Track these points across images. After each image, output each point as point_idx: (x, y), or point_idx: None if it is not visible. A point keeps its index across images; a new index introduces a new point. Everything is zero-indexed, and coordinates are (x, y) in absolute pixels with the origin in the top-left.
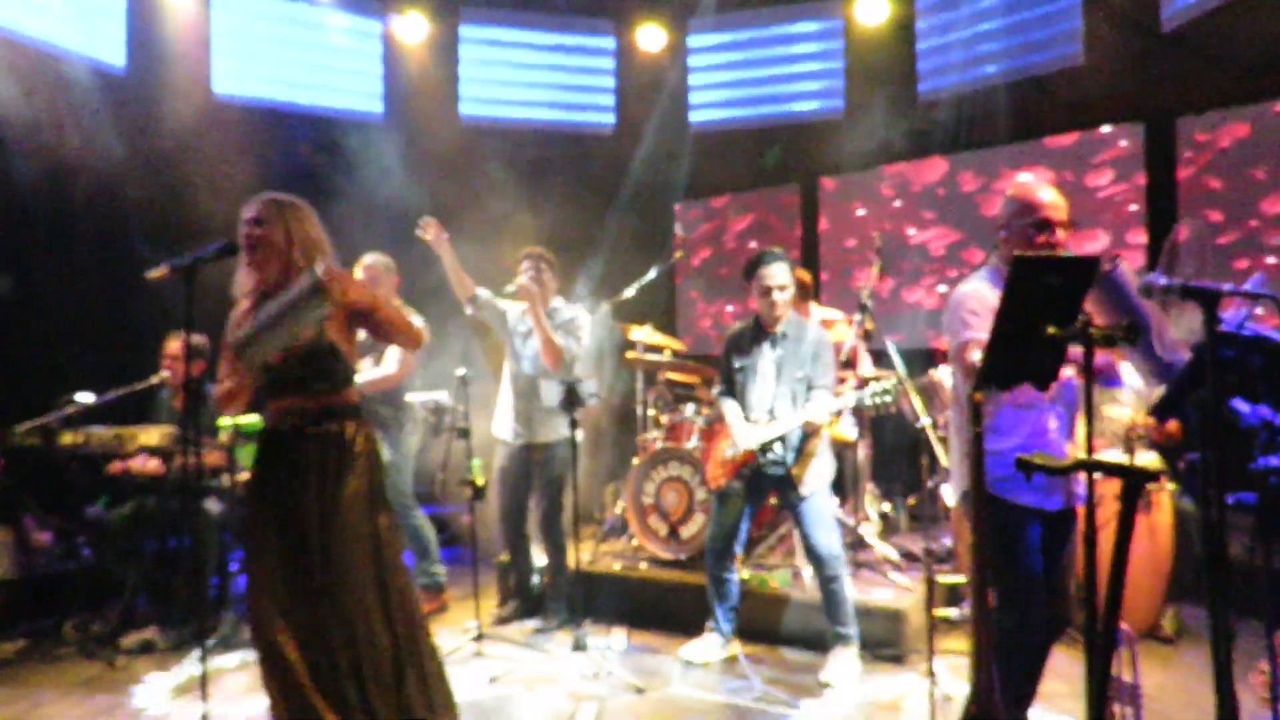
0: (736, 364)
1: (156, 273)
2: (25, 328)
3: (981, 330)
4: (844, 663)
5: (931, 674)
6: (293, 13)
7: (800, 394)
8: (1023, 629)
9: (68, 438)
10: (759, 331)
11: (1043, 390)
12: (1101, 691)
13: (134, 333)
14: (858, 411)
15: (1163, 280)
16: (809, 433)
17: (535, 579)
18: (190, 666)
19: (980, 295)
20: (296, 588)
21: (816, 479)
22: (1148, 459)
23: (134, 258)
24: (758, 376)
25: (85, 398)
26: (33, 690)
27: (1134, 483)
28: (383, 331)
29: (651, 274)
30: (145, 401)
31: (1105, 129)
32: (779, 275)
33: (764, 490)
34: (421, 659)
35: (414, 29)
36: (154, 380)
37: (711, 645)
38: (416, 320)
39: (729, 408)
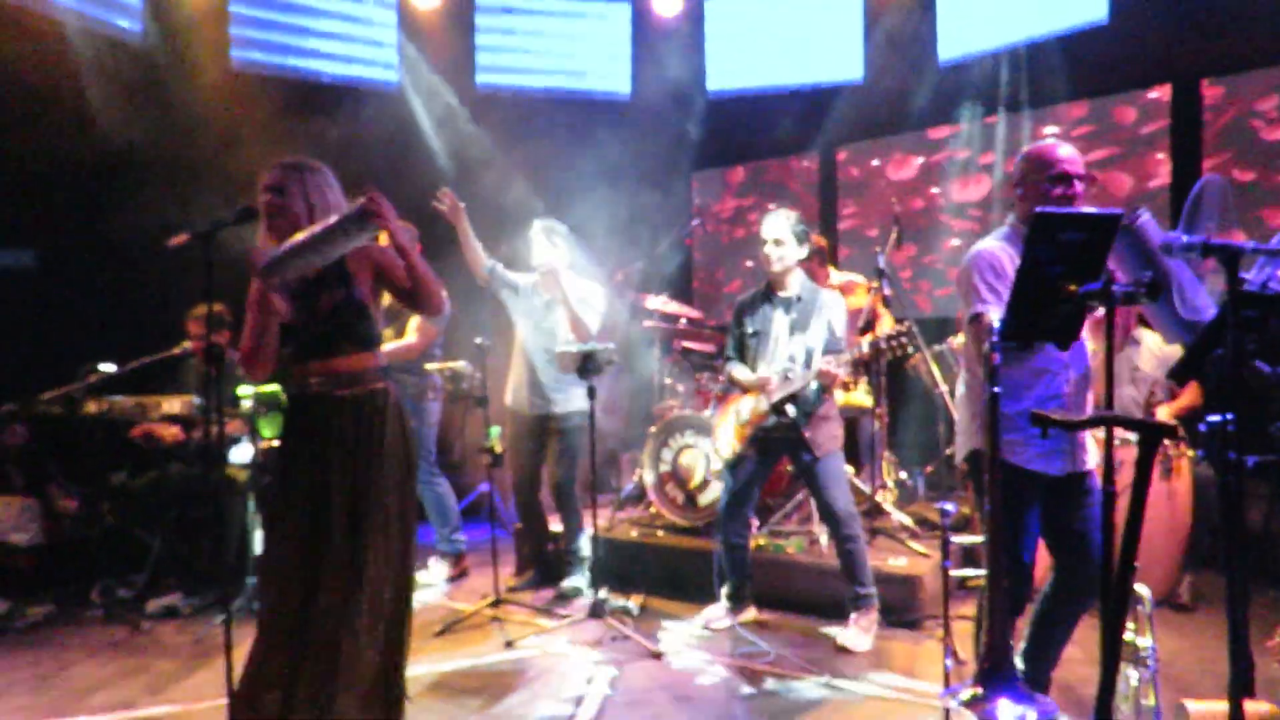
0: (749, 329)
1: (177, 239)
2: (49, 298)
3: (994, 301)
4: (863, 625)
5: (947, 633)
6: None
7: (814, 356)
8: (1015, 584)
9: (91, 406)
10: (770, 296)
11: (1064, 349)
12: (1115, 652)
13: (157, 302)
14: (875, 373)
15: (1184, 238)
16: (822, 393)
17: (550, 547)
18: (213, 630)
19: (995, 258)
20: (313, 554)
21: (829, 440)
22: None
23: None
24: (770, 340)
25: (108, 367)
26: (61, 652)
27: (1150, 438)
28: (412, 288)
29: (667, 243)
30: (172, 370)
31: (1131, 91)
32: (771, 229)
33: (776, 454)
34: (401, 644)
35: None
36: (177, 350)
37: (727, 611)
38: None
39: (738, 370)
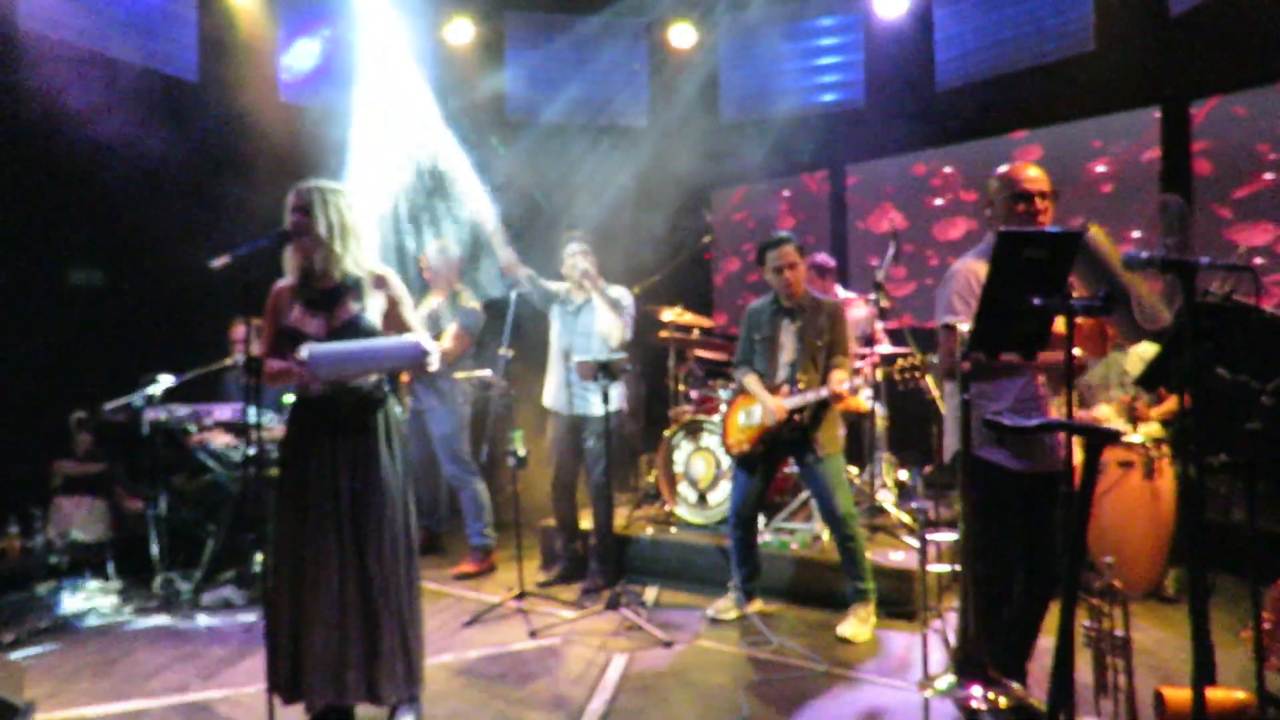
0: (757, 336)
1: (219, 262)
2: (113, 315)
3: (964, 313)
4: (861, 617)
5: (925, 624)
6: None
7: (821, 361)
8: (995, 579)
9: (151, 414)
10: (778, 306)
11: (1029, 358)
12: (1069, 637)
13: (210, 318)
14: (876, 380)
15: (1144, 254)
16: (827, 401)
17: (575, 545)
18: (263, 620)
19: (970, 274)
20: (312, 552)
21: (832, 443)
22: (1150, 429)
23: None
24: (779, 347)
25: (166, 378)
26: (122, 641)
27: (1095, 443)
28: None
29: (680, 258)
30: (217, 381)
31: (1119, 114)
32: (789, 254)
33: (782, 455)
34: (410, 628)
35: (461, 33)
36: (226, 362)
37: (738, 603)
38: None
39: (750, 379)
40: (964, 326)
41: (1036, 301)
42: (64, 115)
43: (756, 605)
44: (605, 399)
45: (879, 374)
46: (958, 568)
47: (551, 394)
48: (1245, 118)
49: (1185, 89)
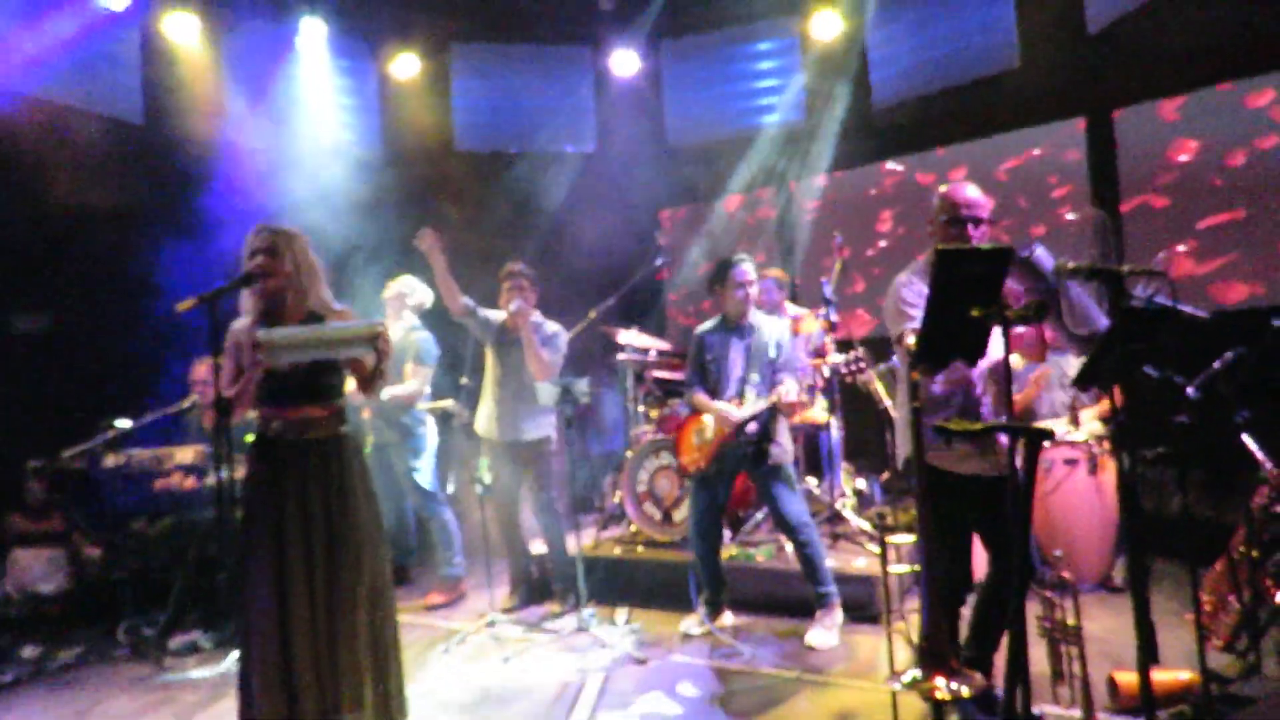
0: (709, 355)
1: (185, 304)
2: (67, 361)
3: (913, 320)
4: (827, 624)
5: (888, 625)
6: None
7: (768, 378)
8: (954, 578)
9: (110, 459)
10: (725, 326)
11: (971, 365)
12: (1020, 628)
13: (163, 361)
14: (832, 391)
15: (1071, 263)
16: (777, 411)
17: (532, 568)
18: (233, 663)
19: (914, 285)
20: (292, 588)
21: (783, 453)
22: (1092, 427)
23: (159, 293)
24: (729, 365)
25: (123, 423)
26: (92, 690)
27: (1033, 441)
28: (369, 376)
29: (632, 281)
30: (176, 423)
31: (1046, 126)
32: (752, 272)
33: (736, 468)
34: (391, 663)
35: (407, 67)
36: (185, 404)
37: (704, 618)
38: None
39: (699, 396)
40: (910, 339)
41: (976, 314)
42: (11, 160)
43: (726, 618)
44: (569, 423)
45: (825, 382)
46: (917, 568)
47: (483, 422)
48: (1164, 124)
49: (1106, 100)
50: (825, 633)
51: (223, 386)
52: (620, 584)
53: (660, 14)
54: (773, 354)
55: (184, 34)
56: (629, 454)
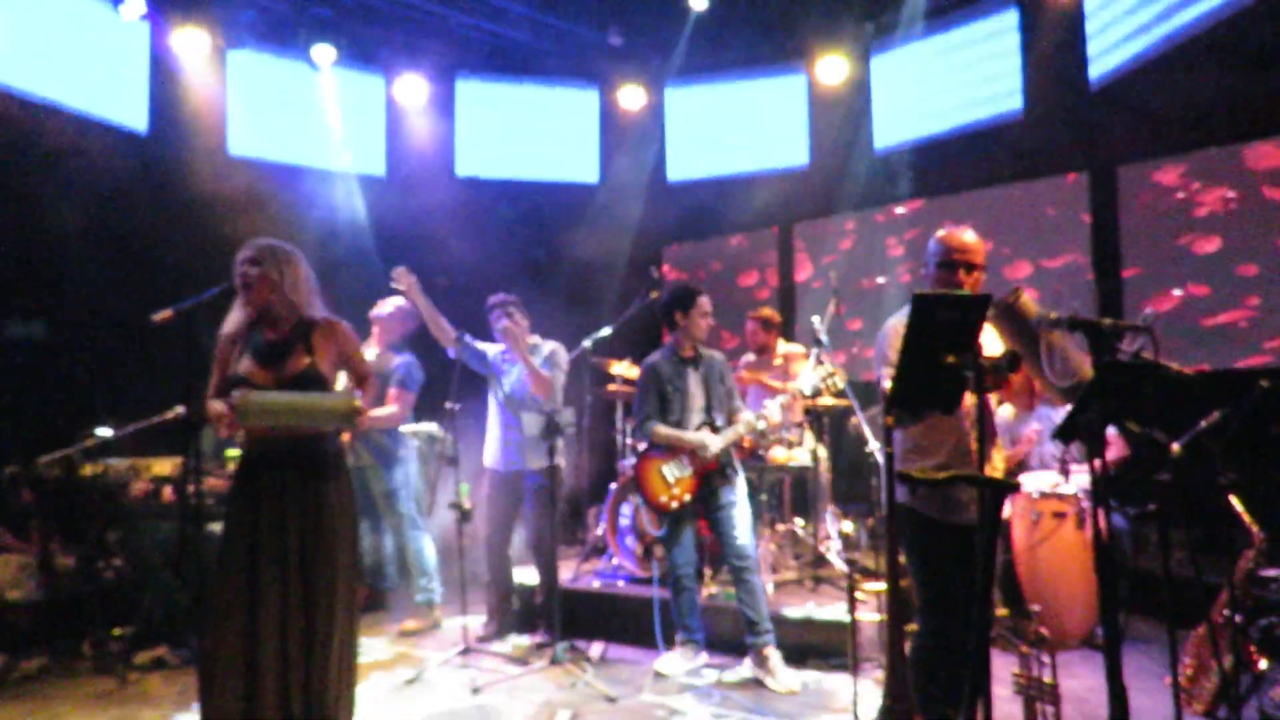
0: (669, 389)
1: (161, 316)
2: (51, 368)
3: (888, 370)
4: (777, 660)
5: (854, 673)
6: (300, 81)
7: (725, 405)
8: (942, 633)
9: (88, 468)
10: (678, 358)
11: (948, 414)
12: (982, 678)
13: (151, 370)
14: (820, 431)
15: (1053, 314)
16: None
17: (514, 600)
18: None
19: (897, 332)
20: (259, 603)
21: (743, 483)
22: (1080, 480)
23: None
24: (688, 396)
25: (104, 432)
26: (51, 704)
27: (997, 492)
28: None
29: (628, 312)
30: (171, 433)
31: (1049, 178)
32: (708, 304)
33: (708, 498)
34: (349, 676)
35: (412, 93)
36: (169, 414)
37: (684, 657)
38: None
39: (664, 429)
40: (885, 383)
41: (951, 361)
42: (10, 167)
43: (702, 658)
44: (551, 454)
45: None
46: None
47: (491, 453)
48: (1164, 184)
49: (1112, 157)
50: (785, 672)
51: (208, 394)
52: (597, 619)
53: (667, 54)
54: (727, 383)
55: (192, 49)
56: (614, 486)
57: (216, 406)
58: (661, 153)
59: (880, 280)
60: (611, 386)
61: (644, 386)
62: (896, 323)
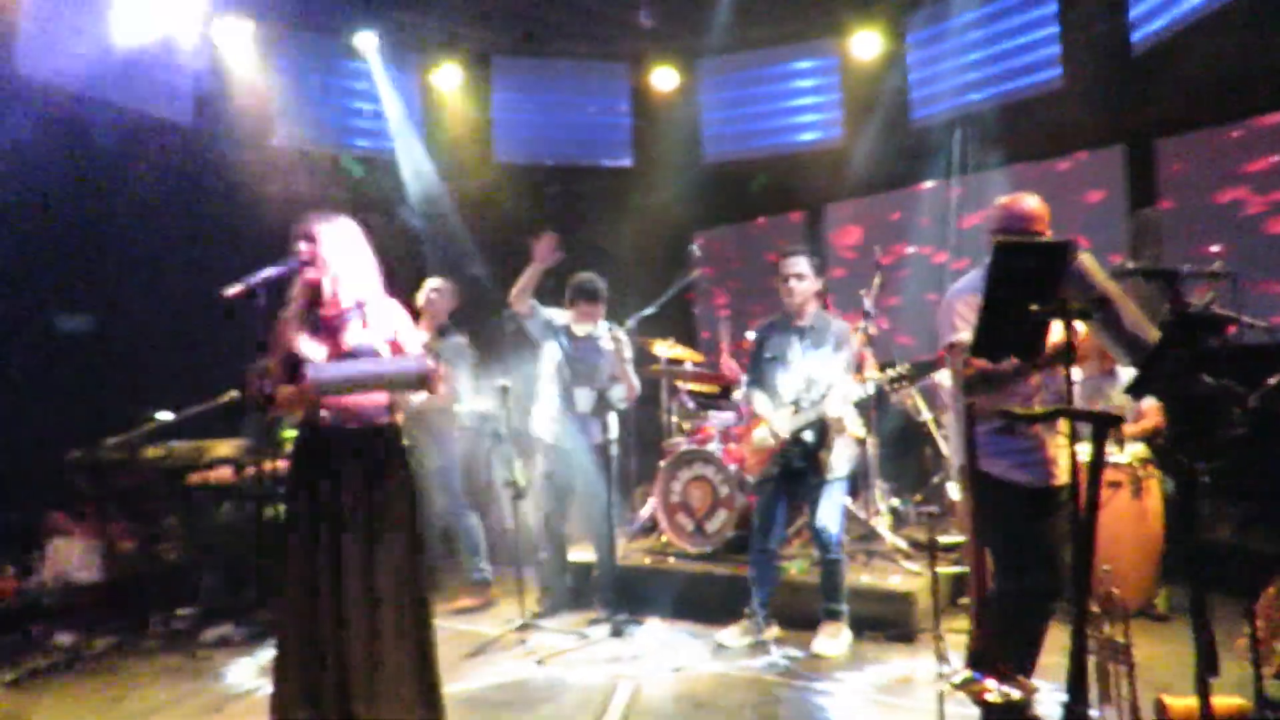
0: (767, 354)
1: (234, 290)
2: (114, 353)
3: (967, 330)
4: (831, 632)
5: (940, 653)
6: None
7: (824, 383)
8: (1020, 593)
9: (150, 451)
10: (787, 325)
11: (1028, 361)
12: (1082, 642)
13: (211, 354)
14: (868, 406)
15: (1129, 264)
16: (831, 422)
17: (569, 576)
18: (266, 656)
19: (968, 295)
20: (329, 580)
21: (840, 465)
22: (1135, 449)
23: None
24: (787, 367)
25: (165, 415)
26: (125, 678)
27: (1101, 425)
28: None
29: (670, 291)
30: (233, 416)
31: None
32: (794, 265)
33: (796, 475)
34: (429, 665)
35: (449, 78)
36: (224, 398)
37: (748, 630)
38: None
39: (758, 399)
40: (963, 336)
41: (1034, 309)
42: (63, 159)
43: (773, 631)
44: (605, 429)
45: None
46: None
47: (543, 425)
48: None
49: (1151, 128)
50: (831, 641)
51: (270, 378)
52: (650, 594)
53: (699, 31)
54: (832, 359)
55: (237, 39)
56: (661, 464)
57: (285, 391)
58: (696, 132)
59: (915, 260)
60: (655, 367)
61: (751, 352)
62: (964, 290)
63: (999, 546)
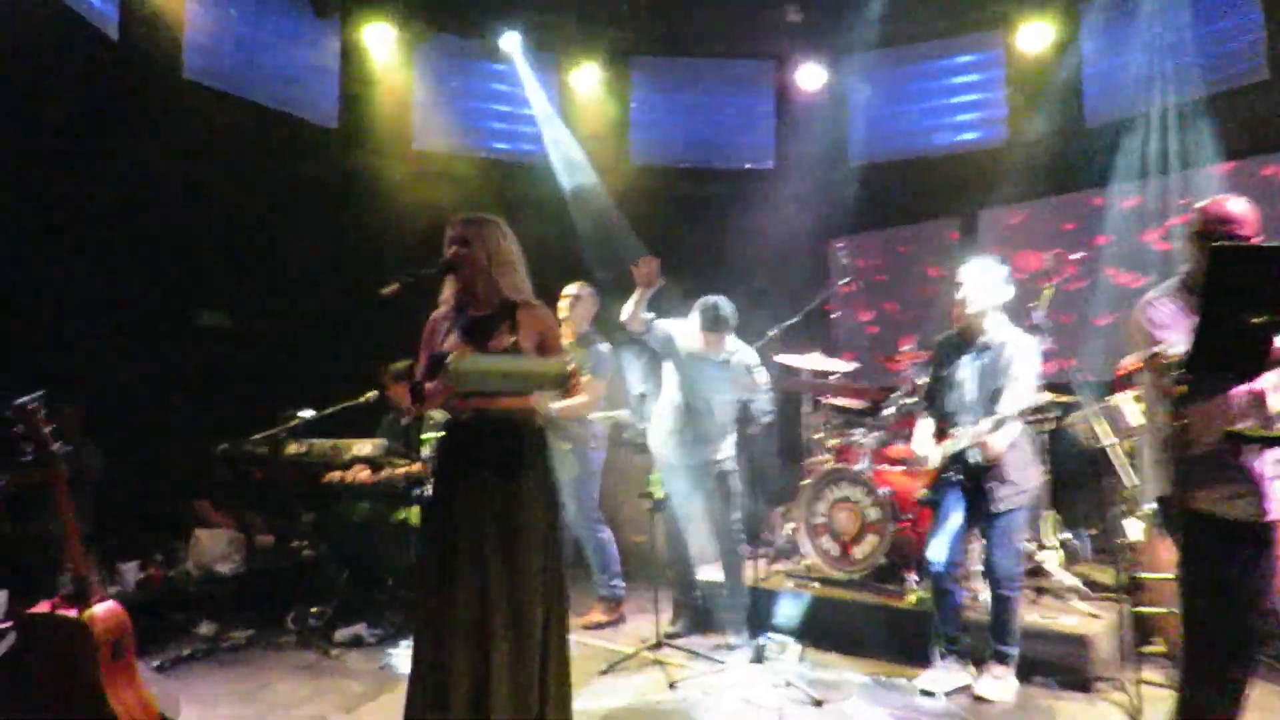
0: (942, 373)
1: (389, 288)
2: (262, 350)
3: (1167, 337)
4: (997, 674)
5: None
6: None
7: (990, 407)
8: (1222, 640)
9: (291, 448)
10: (962, 341)
11: (1247, 380)
12: None
13: (353, 354)
14: (1037, 432)
15: None
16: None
17: (698, 595)
18: (398, 656)
19: (1164, 305)
20: (467, 582)
21: (1011, 497)
22: None
23: (351, 287)
24: (956, 388)
25: (306, 413)
26: (260, 672)
27: None
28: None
29: (816, 300)
30: (371, 415)
31: None
32: (962, 274)
33: (968, 500)
34: (562, 676)
35: (587, 79)
36: (363, 398)
37: (947, 670)
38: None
39: (921, 423)
40: (1172, 350)
41: (1257, 321)
42: (213, 159)
43: (968, 674)
44: (722, 449)
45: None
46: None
47: (660, 440)
48: None
49: None
50: (996, 683)
51: (418, 375)
52: (792, 620)
53: (849, 27)
54: (1002, 381)
55: (380, 43)
56: (804, 483)
57: (429, 386)
58: (843, 134)
59: (1086, 274)
60: (797, 381)
61: (931, 368)
62: (1158, 297)
63: (1201, 586)
